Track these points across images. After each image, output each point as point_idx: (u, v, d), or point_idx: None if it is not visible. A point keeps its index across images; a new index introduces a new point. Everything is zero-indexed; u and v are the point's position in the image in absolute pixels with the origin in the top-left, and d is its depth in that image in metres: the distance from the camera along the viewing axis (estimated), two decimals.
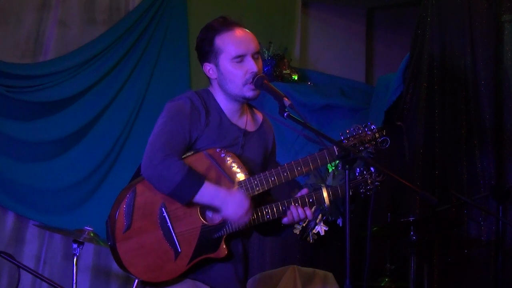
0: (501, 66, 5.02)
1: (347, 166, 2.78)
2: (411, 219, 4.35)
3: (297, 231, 5.15)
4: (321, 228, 5.14)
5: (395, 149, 5.35)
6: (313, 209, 3.07)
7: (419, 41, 5.31)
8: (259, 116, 3.17)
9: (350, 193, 2.97)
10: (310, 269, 4.61)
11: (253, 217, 2.94)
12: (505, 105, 4.99)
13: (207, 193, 2.84)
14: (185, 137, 2.90)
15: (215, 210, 2.90)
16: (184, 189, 2.82)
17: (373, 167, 3.04)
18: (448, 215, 4.91)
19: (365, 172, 3.10)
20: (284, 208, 3.00)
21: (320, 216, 5.15)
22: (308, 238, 5.15)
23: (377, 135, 3.03)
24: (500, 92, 5.01)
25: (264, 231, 3.16)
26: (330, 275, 4.62)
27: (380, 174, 3.04)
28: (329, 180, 5.23)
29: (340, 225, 5.28)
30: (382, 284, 4.81)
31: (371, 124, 3.05)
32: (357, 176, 3.11)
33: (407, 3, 6.61)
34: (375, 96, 5.83)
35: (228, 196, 2.86)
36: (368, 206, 2.89)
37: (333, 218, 5.27)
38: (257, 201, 3.00)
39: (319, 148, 3.02)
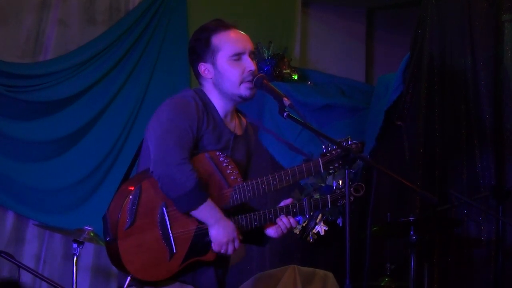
0: (501, 66, 5.02)
1: (346, 166, 2.79)
2: (411, 219, 4.35)
3: (297, 231, 5.15)
4: (321, 228, 5.14)
5: (395, 149, 5.36)
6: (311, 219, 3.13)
7: (419, 41, 5.31)
8: (244, 121, 3.19)
9: (329, 206, 3.07)
10: (310, 269, 4.60)
11: (242, 223, 2.98)
12: (505, 105, 4.99)
13: (205, 210, 2.88)
14: (193, 136, 2.92)
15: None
16: (188, 200, 2.84)
17: (346, 182, 3.07)
18: (448, 215, 4.91)
19: (341, 186, 3.14)
20: (271, 216, 3.03)
21: (320, 216, 5.15)
22: (308, 238, 5.15)
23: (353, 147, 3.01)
24: (500, 92, 5.02)
25: (244, 238, 3.17)
26: (330, 275, 4.62)
27: (358, 189, 3.06)
28: (329, 180, 5.24)
29: (340, 225, 5.28)
30: (382, 284, 4.82)
31: (349, 139, 3.02)
32: (335, 189, 3.17)
33: (407, 3, 6.61)
34: (375, 96, 5.83)
35: (222, 220, 2.90)
36: (368, 206, 2.90)
37: (333, 218, 5.27)
38: (240, 208, 3.02)
39: (303, 160, 3.06)
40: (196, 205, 2.85)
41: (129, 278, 2.92)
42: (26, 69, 5.09)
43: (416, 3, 5.59)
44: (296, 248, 5.46)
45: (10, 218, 5.08)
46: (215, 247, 2.92)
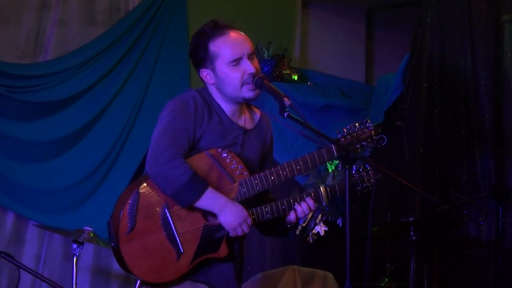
0: (501, 66, 5.03)
1: (347, 166, 2.79)
2: (411, 219, 4.35)
3: (297, 232, 5.14)
4: (320, 229, 5.12)
5: (395, 149, 5.36)
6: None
7: (419, 41, 5.32)
8: (257, 113, 3.19)
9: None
10: (310, 269, 4.61)
11: (253, 216, 2.96)
12: (505, 105, 5.00)
13: (208, 199, 2.87)
14: (189, 136, 2.92)
15: (213, 214, 2.93)
16: (187, 192, 2.84)
17: (369, 165, 3.06)
18: (448, 215, 4.91)
19: (361, 170, 3.11)
20: (284, 207, 3.02)
21: (320, 216, 5.14)
22: (308, 239, 5.13)
23: (373, 133, 3.04)
24: (500, 92, 5.02)
25: (265, 230, 3.17)
26: (330, 275, 4.62)
27: (377, 171, 3.06)
28: (329, 180, 5.23)
29: (340, 225, 5.28)
30: (382, 284, 4.82)
31: (367, 121, 3.06)
32: (354, 174, 3.12)
33: (407, 3, 6.62)
34: (375, 96, 5.83)
35: (228, 204, 2.89)
36: (368, 206, 2.90)
37: (333, 218, 5.27)
38: (257, 200, 3.01)
39: (317, 147, 3.04)
40: (196, 196, 2.84)
41: (139, 281, 2.92)
42: (26, 69, 5.09)
43: (416, 3, 5.59)
44: (296, 249, 5.46)
45: (10, 219, 5.08)
46: (230, 232, 2.92)
